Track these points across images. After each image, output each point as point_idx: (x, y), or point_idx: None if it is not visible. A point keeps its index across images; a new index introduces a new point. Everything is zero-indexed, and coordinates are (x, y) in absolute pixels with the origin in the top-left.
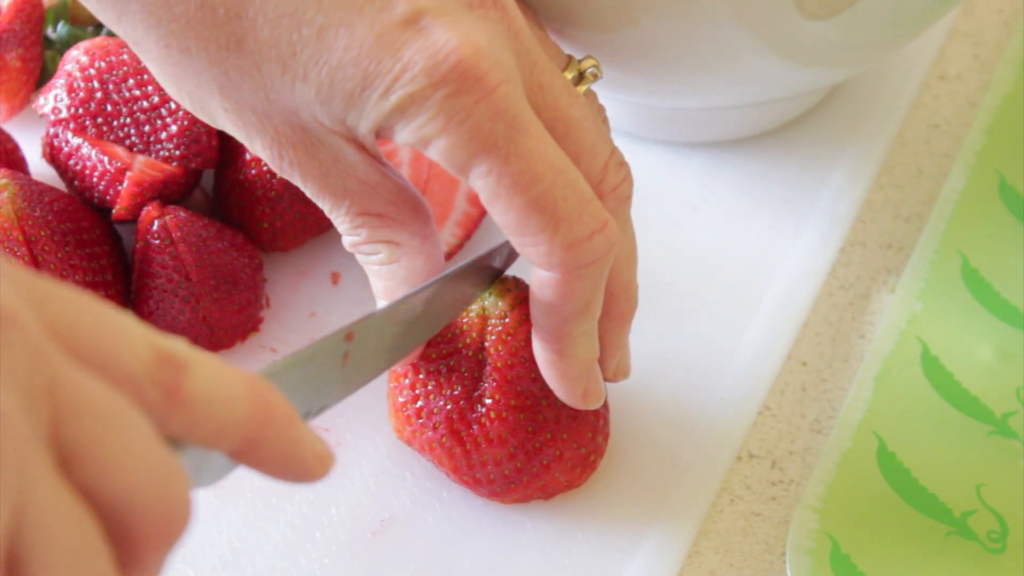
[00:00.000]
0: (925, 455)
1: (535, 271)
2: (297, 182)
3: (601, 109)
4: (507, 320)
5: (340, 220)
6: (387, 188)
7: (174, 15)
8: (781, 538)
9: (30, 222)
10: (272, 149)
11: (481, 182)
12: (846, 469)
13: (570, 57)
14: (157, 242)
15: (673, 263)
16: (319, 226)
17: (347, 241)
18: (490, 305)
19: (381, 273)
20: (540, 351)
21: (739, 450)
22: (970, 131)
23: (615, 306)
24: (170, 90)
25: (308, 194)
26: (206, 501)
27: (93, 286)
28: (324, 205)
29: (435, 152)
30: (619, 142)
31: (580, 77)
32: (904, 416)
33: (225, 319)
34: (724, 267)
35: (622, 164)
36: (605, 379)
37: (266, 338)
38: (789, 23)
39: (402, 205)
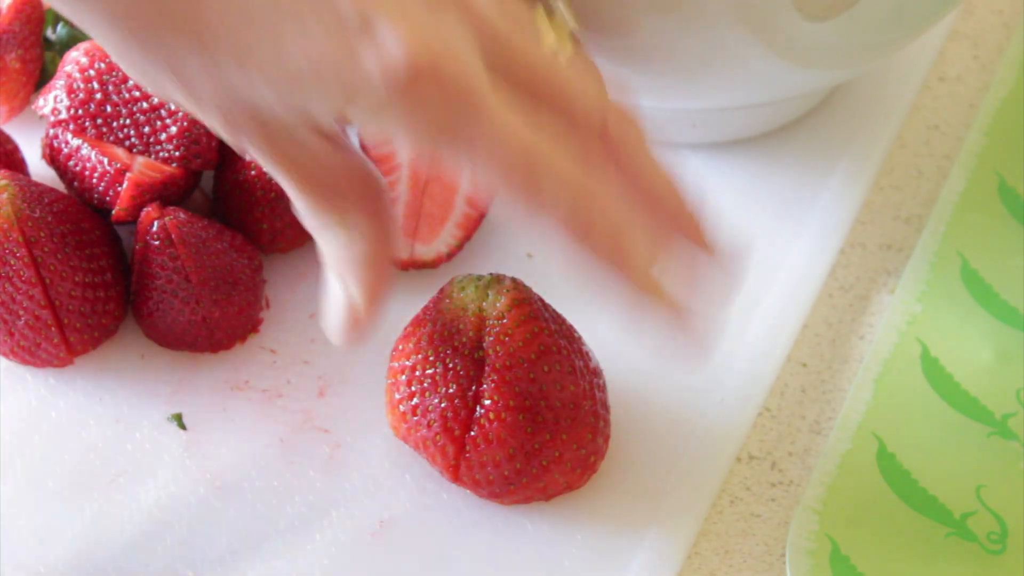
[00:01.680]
0: (925, 456)
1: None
2: (252, 155)
3: (592, 65)
4: (505, 320)
5: (296, 195)
6: (343, 166)
7: (129, 11)
8: (781, 539)
9: (30, 223)
10: (222, 125)
11: (454, 160)
12: (846, 470)
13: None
14: (157, 243)
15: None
16: None
17: (302, 211)
18: (488, 305)
19: (334, 252)
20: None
21: (739, 451)
22: (970, 133)
23: (676, 214)
24: (119, 60)
25: (267, 168)
26: (206, 501)
27: (93, 287)
28: (279, 178)
29: (402, 146)
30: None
31: (558, 44)
32: (904, 417)
33: (225, 320)
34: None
35: (623, 111)
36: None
37: (266, 339)
38: (789, 24)
39: (357, 183)
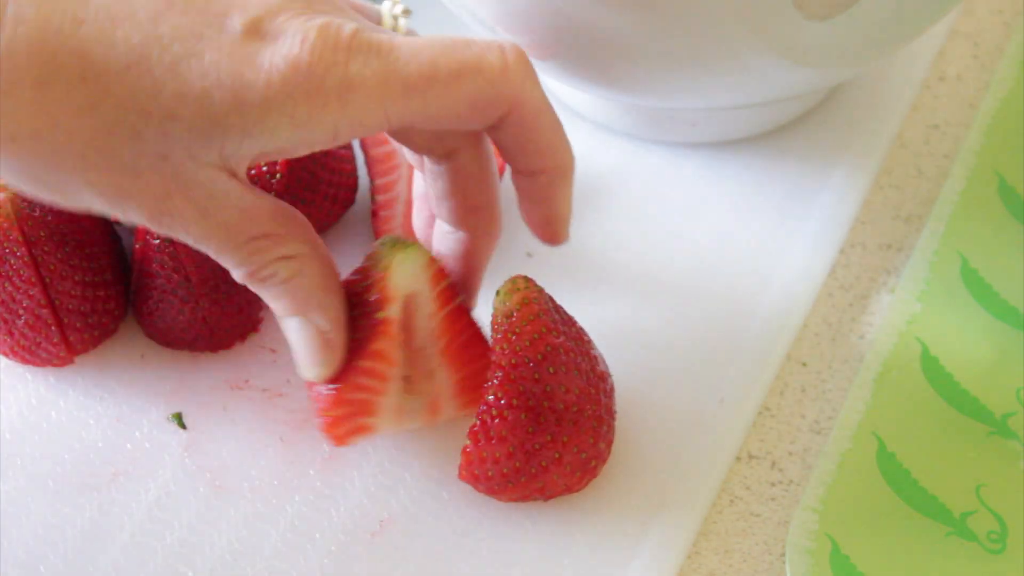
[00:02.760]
0: (925, 456)
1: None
2: (179, 234)
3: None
4: (513, 318)
5: (229, 255)
6: (264, 208)
7: (17, 101)
8: (781, 539)
9: (30, 222)
10: (146, 208)
11: (404, 109)
12: (846, 470)
13: (377, 10)
14: (157, 242)
15: (673, 263)
16: (318, 228)
17: (239, 274)
18: (498, 303)
19: (285, 292)
20: (534, 189)
21: (739, 451)
22: (970, 132)
23: (550, 155)
24: (23, 186)
25: (191, 242)
26: (206, 501)
27: (93, 286)
28: (210, 247)
29: (339, 129)
30: (619, 142)
31: (395, 20)
32: (904, 417)
33: (225, 319)
34: (724, 267)
35: (499, 45)
36: (561, 236)
37: (266, 338)
38: (789, 23)
39: (283, 219)
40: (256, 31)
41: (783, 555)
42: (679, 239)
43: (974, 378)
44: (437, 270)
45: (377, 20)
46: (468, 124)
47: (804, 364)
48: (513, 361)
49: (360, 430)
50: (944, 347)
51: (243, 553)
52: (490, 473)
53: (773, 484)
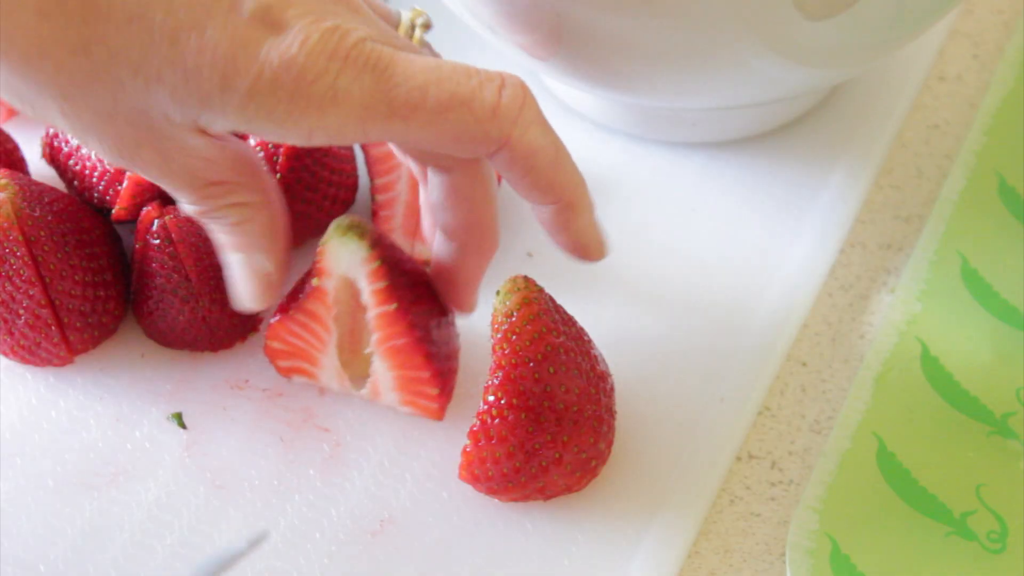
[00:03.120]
0: (925, 455)
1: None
2: (137, 171)
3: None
4: (513, 319)
5: (185, 195)
6: (227, 157)
7: (15, 23)
8: (781, 538)
9: (30, 222)
10: (109, 147)
11: (384, 131)
12: (846, 470)
13: (399, 13)
14: (157, 242)
15: (673, 263)
16: (319, 226)
17: (192, 210)
18: (498, 303)
19: (233, 233)
20: (547, 218)
21: (739, 451)
22: (970, 132)
23: (559, 189)
24: (8, 99)
25: (148, 178)
26: (206, 501)
27: (93, 286)
28: (166, 185)
29: (307, 134)
30: (619, 142)
31: (412, 30)
32: (904, 417)
33: (225, 319)
34: (724, 267)
35: (500, 81)
36: (597, 253)
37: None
38: (789, 23)
39: (242, 169)
40: (263, 18)
41: (783, 555)
42: (679, 239)
43: (974, 378)
44: (375, 269)
45: (395, 25)
46: (455, 153)
47: (804, 364)
48: (513, 361)
49: (302, 372)
50: (944, 347)
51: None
52: (490, 473)
53: (773, 484)
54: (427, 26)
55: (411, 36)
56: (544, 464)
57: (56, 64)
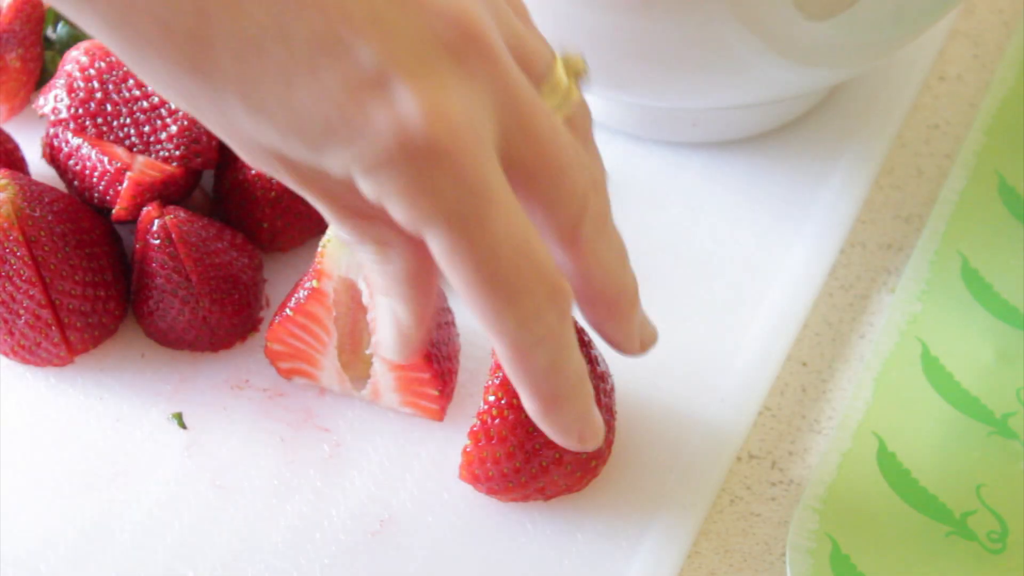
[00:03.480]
0: (925, 455)
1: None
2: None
3: (587, 110)
4: None
5: (327, 216)
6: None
7: (131, 24)
8: (781, 539)
9: (30, 222)
10: (247, 159)
11: (438, 247)
12: (846, 469)
13: (554, 56)
14: (157, 242)
15: (673, 263)
16: (319, 226)
17: (343, 237)
18: None
19: (376, 271)
20: (527, 404)
21: (739, 450)
22: (970, 132)
23: (614, 307)
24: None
25: (290, 187)
26: (206, 501)
27: (93, 286)
28: (310, 200)
29: (394, 212)
30: (619, 142)
31: (565, 82)
32: (904, 416)
33: (225, 319)
34: (724, 267)
35: (600, 191)
36: (635, 353)
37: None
38: (789, 23)
39: None
40: (383, 83)
41: (783, 555)
42: (679, 239)
43: (974, 378)
44: None
45: (542, 73)
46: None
47: (804, 364)
48: None
49: (302, 373)
50: (944, 347)
51: (243, 553)
52: (490, 473)
53: (773, 484)
54: (584, 73)
55: (566, 96)
56: (544, 464)
57: (171, 74)
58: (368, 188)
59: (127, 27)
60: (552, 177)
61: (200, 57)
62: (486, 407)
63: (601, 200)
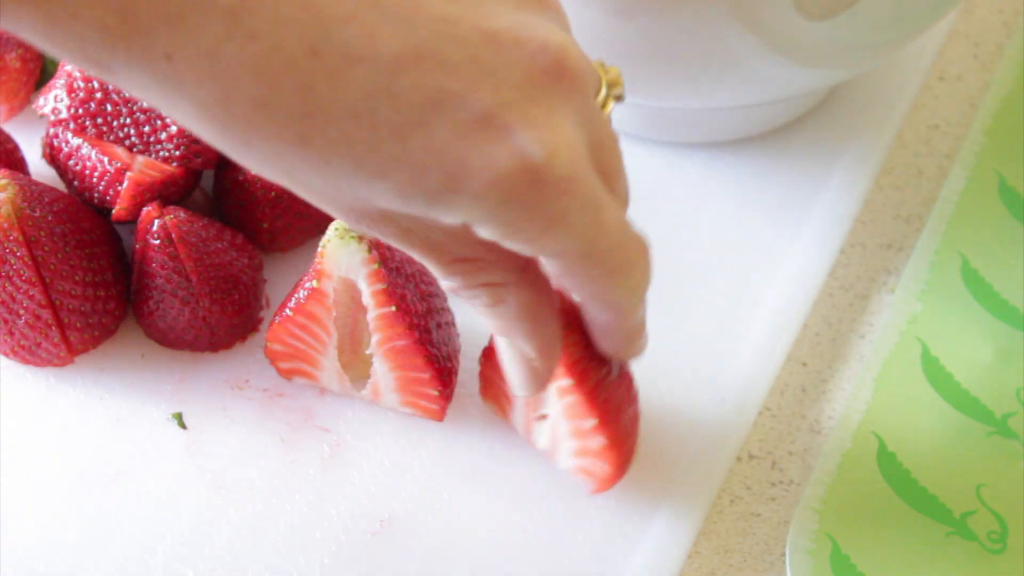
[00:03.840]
0: (925, 456)
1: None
2: (381, 238)
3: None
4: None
5: (433, 269)
6: (472, 234)
7: (231, 114)
8: (781, 539)
9: (30, 222)
10: (345, 219)
11: (564, 263)
12: (846, 470)
13: (599, 71)
14: (157, 242)
15: (673, 263)
16: (319, 226)
17: (444, 285)
18: None
19: (489, 316)
20: (617, 352)
21: (739, 451)
22: (970, 132)
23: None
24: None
25: (392, 244)
26: (206, 501)
27: (93, 286)
28: (413, 255)
29: (520, 246)
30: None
31: (606, 101)
32: (904, 417)
33: (225, 319)
34: (724, 267)
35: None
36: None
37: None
38: (789, 23)
39: (492, 247)
40: (493, 121)
41: (783, 555)
42: (679, 239)
43: (974, 378)
44: (375, 270)
45: (596, 87)
46: (579, 280)
47: (804, 364)
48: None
49: (302, 373)
50: (944, 347)
51: (243, 553)
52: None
53: (773, 484)
54: (620, 98)
55: (603, 106)
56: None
57: (273, 151)
58: (492, 228)
59: (227, 114)
60: (615, 174)
61: (308, 132)
62: (609, 405)
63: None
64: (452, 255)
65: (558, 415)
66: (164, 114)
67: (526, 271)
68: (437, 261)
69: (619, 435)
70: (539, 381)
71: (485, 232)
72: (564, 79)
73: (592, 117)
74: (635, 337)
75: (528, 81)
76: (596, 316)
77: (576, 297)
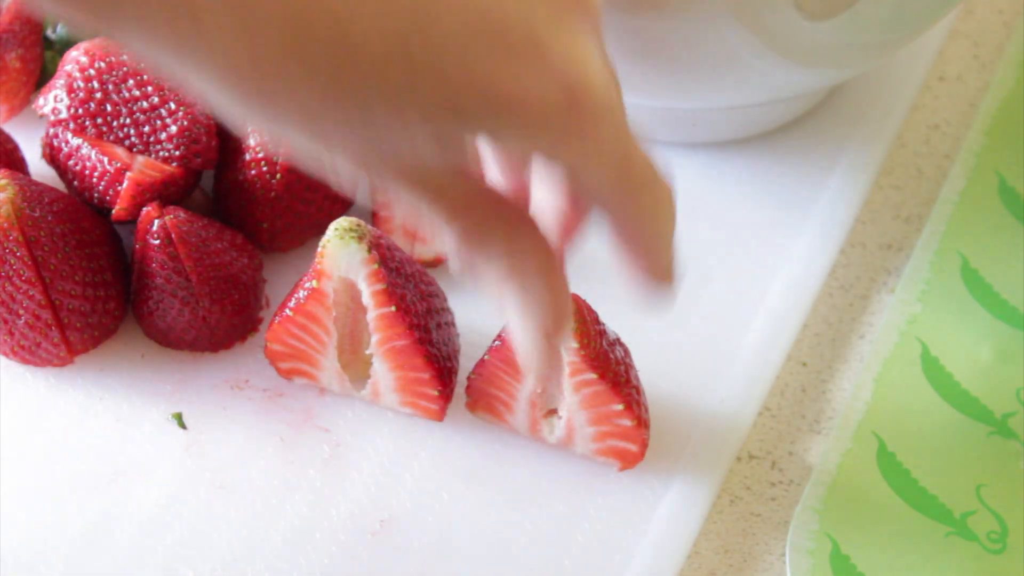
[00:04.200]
0: (925, 456)
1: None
2: (395, 194)
3: None
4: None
5: (449, 231)
6: (488, 198)
7: (256, 60)
8: (781, 539)
9: (30, 222)
10: (365, 172)
11: (600, 183)
12: (846, 470)
13: None
14: (157, 242)
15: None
16: (319, 226)
17: (457, 254)
18: None
19: (510, 271)
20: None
21: (739, 451)
22: (970, 132)
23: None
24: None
25: (408, 205)
26: (206, 501)
27: (93, 286)
28: (431, 216)
29: (559, 168)
30: None
31: None
32: (904, 417)
33: (225, 319)
34: (724, 267)
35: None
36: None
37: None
38: (789, 23)
39: (504, 211)
40: (531, 44)
41: (783, 555)
42: (679, 239)
43: (974, 378)
44: (375, 270)
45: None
46: (591, 190)
47: (804, 364)
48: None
49: (302, 373)
50: (944, 347)
51: (243, 553)
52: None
53: (773, 484)
54: None
55: None
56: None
57: (298, 100)
58: (533, 149)
59: (251, 63)
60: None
61: (342, 71)
62: (628, 387)
63: None
64: (467, 211)
65: (574, 407)
66: (171, 72)
67: (538, 237)
68: (453, 214)
69: (643, 415)
70: (555, 351)
71: (537, 143)
72: (587, 9)
73: (606, 53)
74: (666, 275)
75: (556, 9)
76: (626, 248)
77: (609, 234)
